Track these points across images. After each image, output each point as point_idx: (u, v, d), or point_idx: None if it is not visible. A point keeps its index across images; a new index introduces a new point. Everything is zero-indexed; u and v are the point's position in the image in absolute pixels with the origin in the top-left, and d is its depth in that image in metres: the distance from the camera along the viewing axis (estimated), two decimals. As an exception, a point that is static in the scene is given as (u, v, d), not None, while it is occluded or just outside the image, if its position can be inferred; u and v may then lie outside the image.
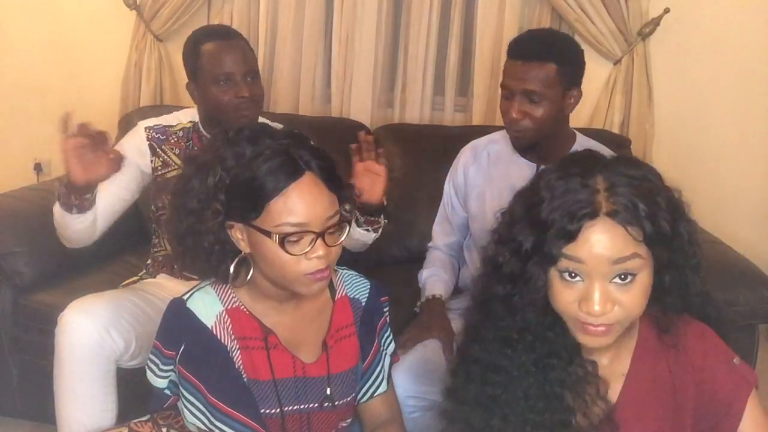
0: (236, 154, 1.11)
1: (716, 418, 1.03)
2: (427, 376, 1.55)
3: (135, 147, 1.82)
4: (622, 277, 0.93)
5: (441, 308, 1.73)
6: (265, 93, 1.88)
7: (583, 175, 0.94)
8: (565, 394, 1.04)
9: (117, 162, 1.53)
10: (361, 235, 1.69)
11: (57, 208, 1.61)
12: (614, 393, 1.06)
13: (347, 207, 1.22)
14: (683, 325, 1.04)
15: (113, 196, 1.72)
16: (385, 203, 1.67)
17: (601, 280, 0.93)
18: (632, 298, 0.94)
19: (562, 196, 0.94)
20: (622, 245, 0.92)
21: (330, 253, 1.13)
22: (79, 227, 1.64)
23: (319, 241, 1.10)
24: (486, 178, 1.80)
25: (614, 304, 0.94)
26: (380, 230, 1.73)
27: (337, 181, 1.16)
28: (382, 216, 1.68)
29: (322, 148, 1.18)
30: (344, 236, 1.16)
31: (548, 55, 1.58)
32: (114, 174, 1.56)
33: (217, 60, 1.73)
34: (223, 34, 1.82)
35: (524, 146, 1.70)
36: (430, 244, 1.94)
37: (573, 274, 0.94)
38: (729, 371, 1.03)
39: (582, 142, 1.75)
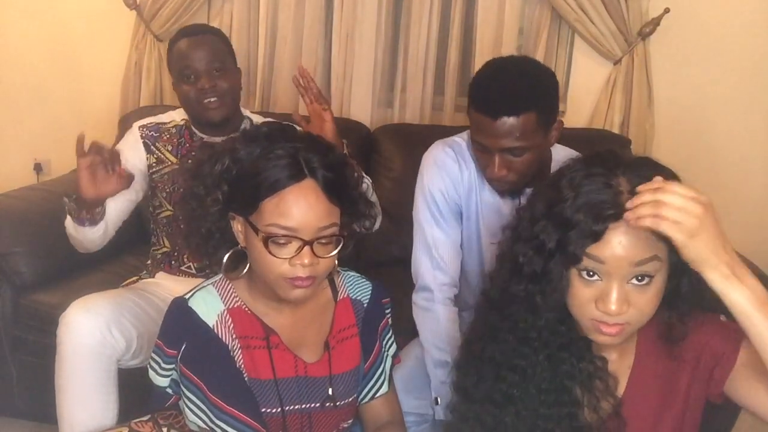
0: (248, 149, 1.12)
1: (708, 371, 1.04)
2: (417, 390, 1.53)
3: (131, 146, 1.86)
4: (640, 278, 0.94)
5: None
6: (255, 90, 1.90)
7: (606, 175, 0.95)
8: (575, 388, 1.05)
9: (127, 179, 1.60)
10: None
11: (69, 222, 1.69)
12: (621, 386, 1.08)
13: (364, 223, 1.21)
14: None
15: (121, 198, 1.74)
16: (346, 150, 1.68)
17: (619, 280, 0.94)
18: (647, 299, 0.96)
19: (586, 195, 0.94)
20: (644, 247, 0.93)
21: (317, 264, 1.11)
22: (93, 237, 1.71)
23: (306, 249, 1.09)
24: (475, 192, 1.59)
25: (630, 305, 0.95)
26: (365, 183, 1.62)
27: (343, 195, 1.14)
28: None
29: (339, 159, 1.16)
30: (337, 250, 1.14)
31: (525, 105, 1.35)
32: (122, 189, 1.64)
33: (183, 57, 1.79)
34: (192, 31, 1.86)
35: (510, 194, 1.51)
36: (424, 297, 1.55)
37: (591, 273, 0.95)
38: (719, 327, 1.04)
39: (559, 153, 1.54)
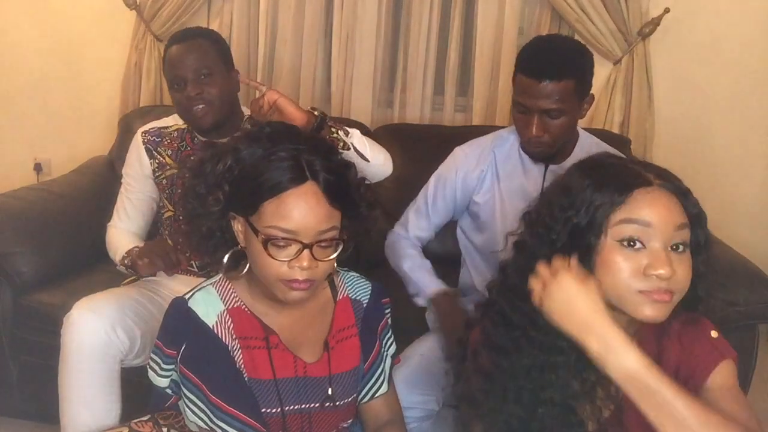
0: (250, 149, 1.12)
1: (683, 382, 1.02)
2: (424, 386, 1.55)
3: (137, 155, 1.89)
4: (676, 246, 0.96)
5: (457, 304, 1.68)
6: (255, 90, 1.89)
7: (633, 162, 1.02)
8: (578, 408, 1.04)
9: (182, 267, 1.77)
10: (359, 162, 1.61)
11: (118, 263, 1.81)
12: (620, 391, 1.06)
13: (362, 226, 1.20)
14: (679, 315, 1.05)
15: (144, 204, 1.91)
16: (317, 113, 1.62)
17: (664, 244, 0.95)
18: (685, 269, 0.97)
19: (611, 173, 0.99)
20: (681, 212, 0.96)
21: (316, 267, 1.11)
22: None
23: (305, 252, 1.09)
24: (493, 178, 1.77)
25: (674, 271, 0.94)
26: (355, 145, 1.65)
27: (344, 198, 1.13)
28: (335, 131, 1.62)
29: (342, 161, 1.16)
30: (336, 254, 1.14)
31: (567, 72, 1.55)
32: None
33: (172, 65, 1.77)
34: (182, 36, 1.81)
35: (543, 157, 1.69)
36: (398, 231, 1.86)
37: (633, 242, 0.96)
38: (704, 342, 1.05)
39: (585, 137, 1.77)
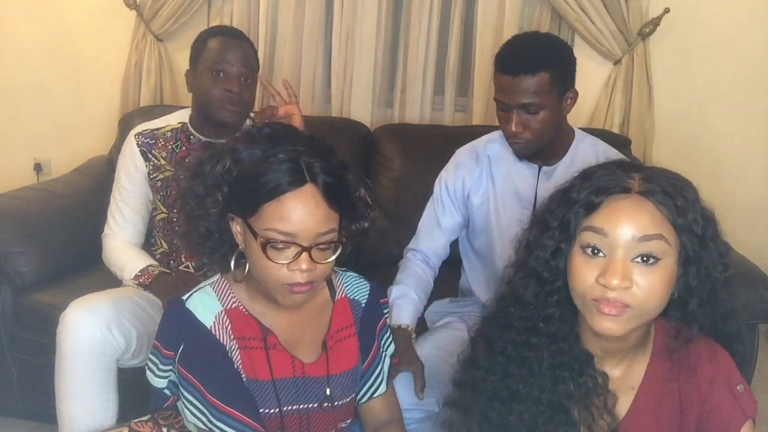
0: (249, 150, 1.11)
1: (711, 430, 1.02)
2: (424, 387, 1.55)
3: (131, 157, 1.88)
4: (645, 258, 0.93)
5: (407, 340, 1.59)
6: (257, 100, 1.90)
7: (623, 169, 0.99)
8: (572, 408, 1.03)
9: None
10: None
11: (129, 280, 1.79)
12: (622, 407, 1.05)
13: (358, 226, 1.19)
14: (697, 346, 1.03)
15: (142, 207, 1.90)
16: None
17: (623, 255, 0.93)
18: (652, 283, 0.93)
19: (597, 180, 0.97)
20: (649, 223, 0.93)
21: (315, 269, 1.11)
22: None
23: (304, 255, 1.08)
24: (488, 180, 1.76)
25: (633, 283, 0.93)
26: None
27: (343, 200, 1.13)
28: None
29: (340, 162, 1.16)
30: (335, 256, 1.14)
31: (539, 65, 1.53)
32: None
33: (219, 53, 1.78)
34: (234, 33, 1.88)
35: (528, 155, 1.68)
36: (410, 247, 1.83)
37: (595, 250, 0.95)
38: (730, 398, 1.01)
39: (581, 138, 1.74)
